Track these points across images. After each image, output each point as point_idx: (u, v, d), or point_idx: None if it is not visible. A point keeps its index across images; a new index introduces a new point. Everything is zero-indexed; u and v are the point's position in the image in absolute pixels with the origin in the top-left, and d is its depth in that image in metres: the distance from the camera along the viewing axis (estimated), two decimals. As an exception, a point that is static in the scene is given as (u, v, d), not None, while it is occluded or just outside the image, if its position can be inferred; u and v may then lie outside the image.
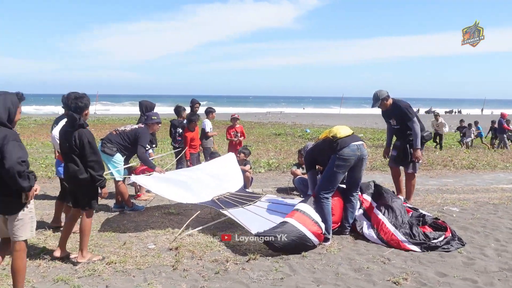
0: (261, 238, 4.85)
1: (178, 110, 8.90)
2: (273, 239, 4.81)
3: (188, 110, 9.33)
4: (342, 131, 5.27)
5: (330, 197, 5.33)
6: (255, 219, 5.54)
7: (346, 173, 5.40)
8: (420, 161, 6.78)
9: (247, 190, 7.36)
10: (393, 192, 6.46)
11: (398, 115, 6.63)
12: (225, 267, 4.56)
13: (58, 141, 4.76)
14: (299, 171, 8.06)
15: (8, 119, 3.46)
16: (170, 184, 6.22)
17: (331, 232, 5.34)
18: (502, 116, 18.56)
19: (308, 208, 5.23)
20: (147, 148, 6.84)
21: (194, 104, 9.60)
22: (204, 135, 9.20)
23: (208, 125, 9.25)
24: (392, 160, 6.94)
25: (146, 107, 7.47)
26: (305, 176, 7.79)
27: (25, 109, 59.41)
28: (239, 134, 9.95)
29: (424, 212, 5.90)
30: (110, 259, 4.65)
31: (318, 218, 5.18)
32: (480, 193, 8.30)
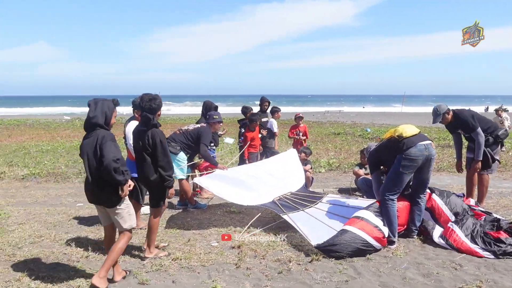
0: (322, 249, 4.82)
1: (245, 111, 9.01)
2: (333, 249, 4.75)
3: (255, 109, 9.38)
4: (408, 130, 5.07)
5: (396, 199, 5.15)
6: (316, 225, 5.43)
7: (413, 174, 5.19)
8: (496, 164, 6.41)
9: (308, 189, 7.27)
10: (463, 194, 6.14)
11: (462, 127, 6.33)
12: (288, 267, 4.54)
13: (131, 141, 4.94)
14: (362, 172, 7.87)
15: (105, 122, 3.93)
16: (231, 184, 6.27)
17: (396, 235, 5.16)
18: None
19: (368, 214, 5.10)
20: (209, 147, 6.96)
21: (263, 102, 9.67)
22: (272, 135, 9.24)
23: (275, 125, 9.27)
24: (469, 162, 6.57)
25: (207, 107, 7.60)
26: (369, 177, 7.60)
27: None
28: (301, 133, 9.88)
29: (498, 216, 5.56)
30: (175, 255, 4.78)
31: (379, 222, 5.03)
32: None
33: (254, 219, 5.87)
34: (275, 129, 9.25)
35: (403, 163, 4.97)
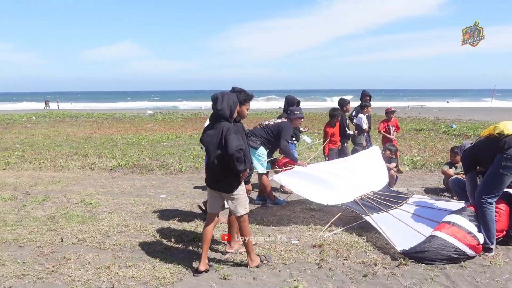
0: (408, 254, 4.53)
1: (342, 103, 8.87)
2: (421, 256, 4.45)
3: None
4: (510, 127, 4.59)
5: (494, 203, 4.70)
6: (400, 228, 5.11)
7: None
8: None
9: (392, 189, 6.93)
10: None
11: None
12: (373, 270, 4.31)
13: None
14: (451, 171, 7.34)
15: (229, 115, 4.18)
16: (310, 182, 6.11)
17: (494, 242, 4.71)
18: None
19: (459, 219, 4.71)
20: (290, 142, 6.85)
21: (364, 96, 9.48)
22: (361, 131, 9.00)
23: (364, 121, 8.98)
24: None
25: (289, 102, 7.49)
26: (460, 177, 7.08)
27: (174, 104, 65.35)
28: (393, 128, 9.48)
29: None
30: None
31: (473, 228, 4.62)
32: None
33: (335, 218, 5.68)
34: (364, 125, 8.94)
35: (504, 163, 4.51)
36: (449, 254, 4.44)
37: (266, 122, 6.79)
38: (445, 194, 7.46)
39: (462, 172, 7.43)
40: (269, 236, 5.30)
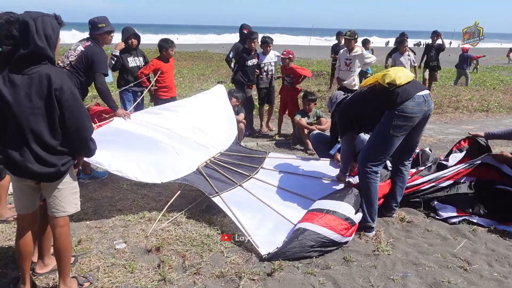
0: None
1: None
2: (286, 257, 3.32)
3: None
4: (402, 75, 3.56)
5: (379, 172, 3.74)
6: (263, 215, 3.82)
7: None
8: None
9: (242, 145, 5.61)
10: None
11: None
12: (237, 286, 2.98)
13: None
14: (304, 121, 6.40)
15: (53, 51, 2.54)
16: (134, 149, 4.28)
17: (376, 218, 3.81)
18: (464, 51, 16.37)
19: (336, 205, 3.63)
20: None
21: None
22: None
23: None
24: None
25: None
26: (315, 128, 6.21)
27: None
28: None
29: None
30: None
31: (350, 210, 3.60)
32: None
33: (173, 198, 4.12)
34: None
35: (396, 122, 3.49)
36: (322, 248, 3.39)
37: (65, 59, 4.65)
38: (298, 147, 6.55)
39: (315, 122, 6.58)
40: (79, 242, 3.54)
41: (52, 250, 2.97)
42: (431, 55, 11.10)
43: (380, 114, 3.59)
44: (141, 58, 6.11)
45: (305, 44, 41.49)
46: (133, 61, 5.98)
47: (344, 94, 4.27)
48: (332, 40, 18.43)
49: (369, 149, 3.71)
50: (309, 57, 24.75)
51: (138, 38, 6.09)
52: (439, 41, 11.06)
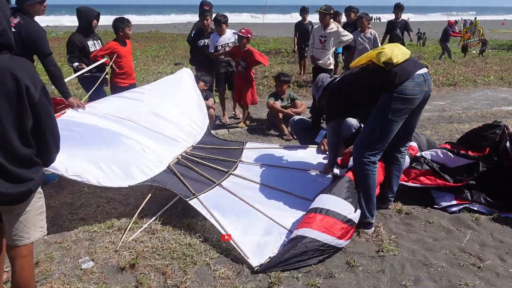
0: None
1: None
2: (283, 268, 2.90)
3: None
4: (399, 52, 3.17)
5: (377, 161, 3.37)
6: (249, 219, 3.37)
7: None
8: None
9: (215, 135, 5.09)
10: None
11: None
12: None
13: None
14: (278, 104, 5.96)
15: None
16: (94, 148, 3.68)
17: (375, 213, 3.45)
18: (449, 24, 17.07)
19: (333, 201, 3.20)
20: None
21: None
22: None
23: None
24: None
25: None
26: (290, 111, 5.80)
27: None
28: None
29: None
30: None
31: (350, 209, 3.21)
32: (489, 119, 6.75)
33: (144, 202, 3.62)
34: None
35: (394, 105, 3.10)
36: (322, 254, 3.00)
37: None
38: (273, 132, 6.11)
39: (290, 105, 6.16)
40: (36, 263, 2.97)
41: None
42: (396, 33, 9.37)
43: (375, 97, 3.19)
44: (99, 41, 5.41)
45: (259, 22, 40.71)
46: (93, 45, 5.25)
47: (330, 77, 3.84)
48: (286, 18, 17.80)
49: (365, 137, 3.32)
50: (264, 34, 24.16)
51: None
52: (404, 17, 9.82)
